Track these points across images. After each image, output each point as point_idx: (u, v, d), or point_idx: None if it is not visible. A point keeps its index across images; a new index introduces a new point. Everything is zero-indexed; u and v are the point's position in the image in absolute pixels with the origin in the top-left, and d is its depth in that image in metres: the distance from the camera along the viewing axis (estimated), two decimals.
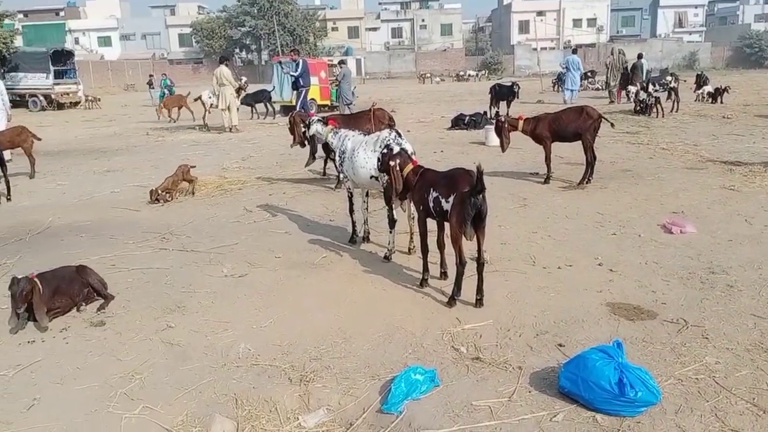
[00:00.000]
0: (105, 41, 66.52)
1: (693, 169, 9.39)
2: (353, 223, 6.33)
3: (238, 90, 17.55)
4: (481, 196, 4.18)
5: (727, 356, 3.66)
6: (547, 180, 8.74)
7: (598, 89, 27.11)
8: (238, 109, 17.28)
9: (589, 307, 4.45)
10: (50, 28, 62.17)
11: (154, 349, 4.05)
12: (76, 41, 62.72)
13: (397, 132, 5.51)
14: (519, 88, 19.09)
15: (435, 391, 3.39)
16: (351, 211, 6.31)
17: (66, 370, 3.79)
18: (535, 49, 46.64)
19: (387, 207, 5.57)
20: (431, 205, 4.61)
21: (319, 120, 6.83)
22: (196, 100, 19.09)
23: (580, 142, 8.51)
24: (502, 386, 3.43)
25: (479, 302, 4.51)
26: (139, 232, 6.88)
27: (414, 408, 3.24)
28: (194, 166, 9.06)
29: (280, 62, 21.95)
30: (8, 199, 8.77)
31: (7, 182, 8.92)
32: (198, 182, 9.12)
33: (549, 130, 8.57)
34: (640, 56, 22.03)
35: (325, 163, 9.75)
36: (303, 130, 7.10)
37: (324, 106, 21.37)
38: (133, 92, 44.62)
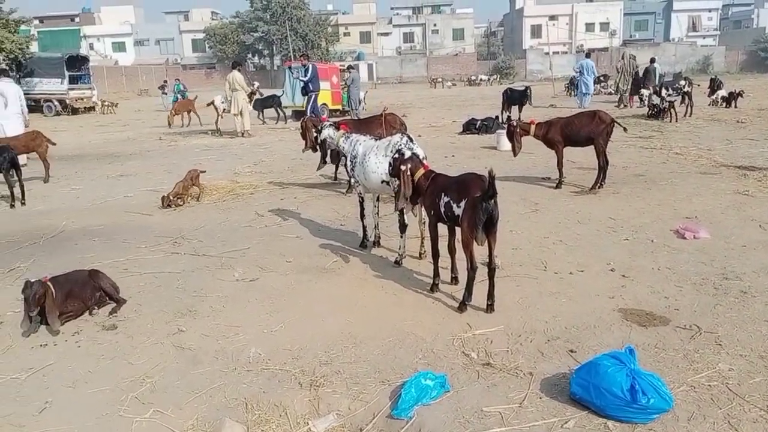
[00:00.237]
0: (119, 47, 67.15)
1: (707, 174, 9.31)
2: (364, 227, 6.33)
3: (251, 95, 17.64)
4: (492, 201, 4.17)
5: (741, 363, 3.62)
6: (559, 185, 8.70)
7: (610, 93, 26.98)
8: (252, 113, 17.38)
9: (601, 313, 4.42)
10: (65, 33, 62.78)
11: (166, 353, 4.07)
12: (91, 47, 63.30)
13: (409, 136, 5.50)
14: (531, 92, 19.05)
15: (445, 396, 3.38)
16: (362, 215, 6.32)
17: (78, 373, 3.82)
18: (548, 54, 46.49)
19: (398, 212, 5.57)
20: (442, 209, 4.60)
21: (330, 125, 6.85)
22: (208, 105, 19.22)
23: (592, 146, 8.47)
24: (513, 392, 3.41)
25: (490, 307, 4.49)
26: (151, 236, 6.92)
27: (424, 413, 3.23)
28: (204, 171, 9.11)
29: (289, 67, 22.07)
30: (23, 203, 8.87)
31: (22, 186, 9.02)
32: (209, 187, 9.19)
33: (561, 134, 8.54)
34: (652, 60, 21.91)
35: (336, 167, 9.77)
36: (315, 134, 7.11)
37: (335, 110, 21.44)
38: (147, 97, 44.98)
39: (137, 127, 21.73)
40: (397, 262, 5.67)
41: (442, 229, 4.88)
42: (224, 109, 17.90)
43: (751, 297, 4.60)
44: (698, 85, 22.00)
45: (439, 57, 65.79)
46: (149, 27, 70.07)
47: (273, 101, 20.92)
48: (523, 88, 19.60)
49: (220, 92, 19.11)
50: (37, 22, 57.01)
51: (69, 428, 3.23)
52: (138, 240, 6.76)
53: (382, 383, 3.57)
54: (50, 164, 10.93)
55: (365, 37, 67.52)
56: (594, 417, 3.15)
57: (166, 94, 30.72)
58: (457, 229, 4.59)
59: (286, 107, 21.39)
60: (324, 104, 20.63)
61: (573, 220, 6.99)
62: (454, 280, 5.10)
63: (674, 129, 15.07)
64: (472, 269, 4.43)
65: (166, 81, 33.80)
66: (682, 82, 19.37)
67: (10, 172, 8.81)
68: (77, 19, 68.91)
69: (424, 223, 5.60)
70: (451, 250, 4.95)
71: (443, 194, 4.60)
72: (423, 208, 5.25)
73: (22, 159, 9.52)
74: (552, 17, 63.05)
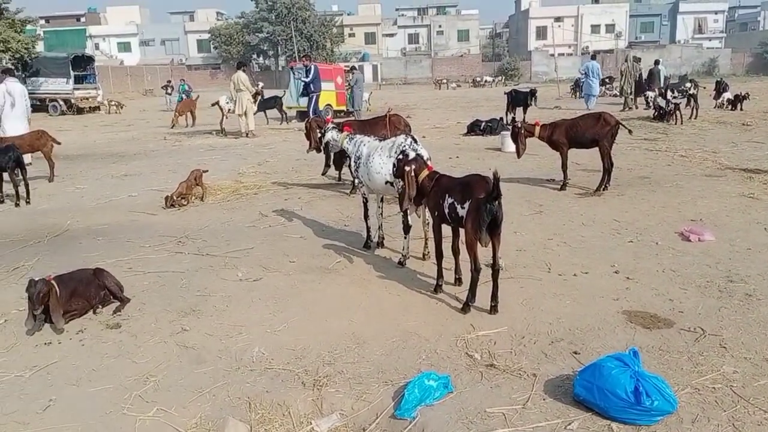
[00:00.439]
0: (125, 47, 67.34)
1: (712, 176, 9.28)
2: (368, 228, 6.33)
3: (255, 95, 17.66)
4: (496, 202, 4.16)
5: (745, 366, 3.61)
6: (563, 187, 8.68)
7: (615, 95, 26.93)
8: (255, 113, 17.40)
9: (605, 315, 4.41)
10: (71, 33, 63.05)
11: (169, 351, 4.08)
12: (97, 47, 63.53)
13: (413, 137, 5.50)
14: (536, 92, 19.05)
15: (448, 397, 3.38)
16: (366, 216, 6.32)
17: (82, 371, 3.83)
18: (553, 55, 46.43)
19: (402, 212, 5.57)
20: (446, 211, 4.60)
21: (334, 127, 6.85)
22: (213, 105, 19.25)
23: (597, 148, 8.45)
24: (517, 393, 3.41)
25: (494, 309, 4.48)
26: (155, 235, 6.94)
27: (427, 414, 3.23)
28: (206, 171, 9.12)
29: (291, 68, 22.10)
30: (27, 202, 8.90)
31: (27, 185, 9.05)
32: (213, 187, 9.21)
33: (566, 136, 8.53)
34: (656, 62, 21.85)
35: (341, 168, 9.77)
36: (319, 135, 7.12)
37: (340, 111, 21.46)
38: (152, 97, 45.07)
39: (142, 127, 21.78)
40: (401, 263, 5.67)
41: (446, 230, 4.87)
42: (229, 110, 17.93)
43: (756, 300, 4.58)
44: (704, 88, 21.91)
45: (444, 58, 65.76)
46: (155, 27, 70.25)
47: (275, 102, 20.96)
48: (527, 89, 19.57)
49: (225, 92, 19.15)
50: (43, 21, 57.36)
51: (73, 426, 3.24)
52: (142, 239, 6.78)
53: (386, 383, 3.57)
54: (55, 163, 10.95)
55: (370, 38, 67.55)
56: (598, 419, 3.14)
57: (169, 94, 30.79)
58: (461, 231, 4.58)
59: (290, 108, 21.42)
60: (329, 105, 20.65)
61: (577, 222, 6.97)
62: (458, 281, 5.09)
63: (679, 131, 15.03)
64: (476, 270, 4.43)
65: (169, 81, 33.88)
66: (688, 85, 19.27)
67: (15, 171, 8.83)
68: (83, 19, 69.15)
69: (427, 224, 5.59)
70: (455, 251, 4.95)
71: (447, 195, 4.59)
72: (427, 209, 5.24)
73: (27, 158, 9.54)
74: (557, 19, 63.02)
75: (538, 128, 8.65)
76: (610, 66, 51.17)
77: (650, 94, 18.43)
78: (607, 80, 28.73)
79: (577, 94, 26.94)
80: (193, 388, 3.59)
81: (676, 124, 16.28)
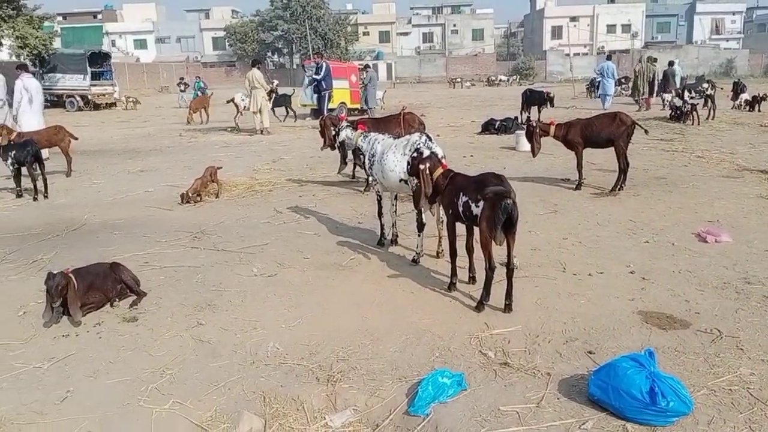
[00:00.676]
0: (141, 44, 67.89)
1: (729, 177, 9.19)
2: (381, 225, 6.34)
3: (270, 93, 17.74)
4: (511, 200, 4.15)
5: (763, 368, 3.57)
6: (578, 186, 8.64)
7: (629, 95, 26.75)
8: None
9: (621, 315, 4.38)
10: (88, 30, 63.62)
11: (185, 345, 4.11)
12: (113, 43, 64.13)
13: (428, 135, 5.49)
14: (553, 95, 18.97)
15: (462, 394, 3.38)
16: (380, 214, 6.33)
17: (99, 363, 3.87)
18: (568, 55, 46.24)
19: (416, 210, 5.56)
20: (461, 209, 4.59)
21: (348, 126, 6.86)
22: (228, 102, 19.36)
23: (612, 148, 8.40)
24: (530, 392, 3.40)
25: (508, 307, 4.47)
26: (171, 230, 6.99)
27: (441, 411, 3.23)
28: (221, 167, 9.18)
29: (303, 66, 22.16)
30: (45, 197, 9.00)
31: (45, 180, 9.15)
32: (228, 183, 9.27)
33: (581, 136, 8.48)
34: (670, 63, 21.68)
35: (354, 166, 9.79)
36: (333, 133, 7.14)
37: (354, 109, 21.49)
38: (167, 94, 45.37)
39: (157, 123, 21.95)
40: (415, 261, 5.67)
41: (460, 228, 4.87)
42: (244, 107, 18.02)
43: None
44: (721, 89, 21.72)
45: (459, 57, 65.66)
46: (170, 24, 70.76)
47: (284, 100, 21.05)
48: (541, 90, 19.49)
49: (240, 90, 19.24)
50: (60, 18, 57.86)
51: (90, 417, 3.28)
52: (158, 234, 6.83)
53: (399, 380, 3.57)
54: (72, 158, 11.08)
55: (384, 37, 67.59)
56: (612, 419, 3.13)
57: (183, 91, 30.99)
58: (475, 229, 4.58)
59: (304, 105, 21.50)
60: (342, 103, 20.69)
61: (592, 222, 6.94)
62: (472, 279, 5.09)
63: (696, 132, 14.90)
64: (490, 269, 4.42)
65: (182, 78, 34.09)
66: (705, 85, 19.13)
67: (33, 166, 8.94)
68: (100, 16, 69.80)
69: (441, 222, 5.59)
70: (469, 250, 4.93)
71: (462, 194, 4.58)
72: (441, 207, 5.24)
73: (44, 153, 9.65)
74: (573, 18, 62.69)
75: (553, 127, 8.61)
76: (626, 66, 50.70)
77: (667, 96, 18.28)
78: (623, 80, 28.55)
79: (593, 94, 26.79)
80: (209, 381, 3.61)
81: (692, 124, 16.13)
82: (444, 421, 3.15)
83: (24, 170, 8.98)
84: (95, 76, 31.09)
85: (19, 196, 9.07)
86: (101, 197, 9.09)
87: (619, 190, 8.33)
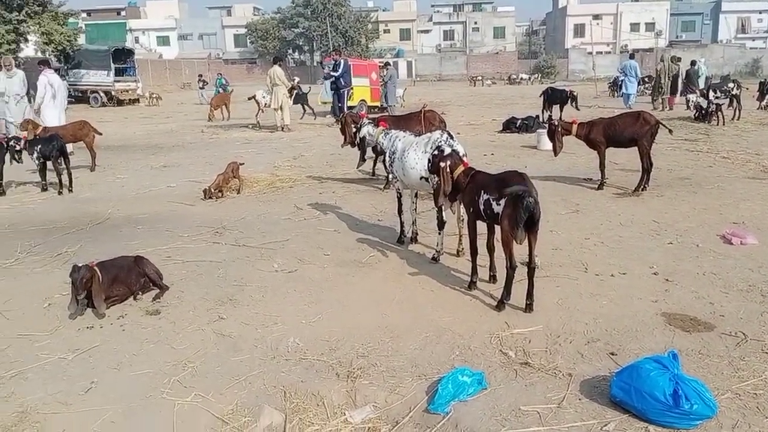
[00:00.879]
0: (163, 41, 68.51)
1: (755, 178, 9.04)
2: (401, 223, 6.34)
3: (291, 90, 17.82)
4: (533, 199, 4.13)
5: None
6: (600, 186, 8.55)
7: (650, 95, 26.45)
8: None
9: (643, 317, 4.34)
10: (112, 27, 64.35)
11: (207, 339, 4.15)
12: (136, 40, 64.77)
13: (449, 133, 5.47)
14: (577, 94, 18.82)
15: (482, 393, 3.37)
16: (400, 211, 6.32)
17: (122, 356, 3.92)
18: (590, 53, 45.74)
19: (436, 208, 5.55)
20: (482, 207, 4.57)
21: (369, 123, 6.86)
22: (250, 99, 19.48)
23: (635, 148, 8.31)
24: (551, 392, 3.38)
25: (529, 307, 4.45)
26: (193, 225, 7.05)
27: (461, 410, 3.23)
28: (243, 164, 9.23)
29: (321, 63, 22.19)
30: (70, 191, 9.13)
31: (70, 174, 9.28)
32: (250, 180, 9.33)
33: (604, 135, 8.39)
34: (693, 63, 21.36)
35: (375, 163, 9.80)
36: (354, 130, 7.15)
37: (374, 107, 21.49)
38: (189, 90, 45.74)
39: (180, 119, 22.15)
40: (435, 259, 5.66)
41: (481, 226, 4.85)
42: (266, 104, 18.12)
43: None
44: (747, 89, 21.32)
45: (480, 55, 65.32)
46: (193, 21, 71.32)
47: (300, 98, 21.15)
48: (563, 89, 19.32)
49: (262, 87, 19.34)
50: (84, 15, 58.66)
51: (114, 408, 3.32)
52: (180, 229, 6.90)
53: (419, 378, 3.57)
54: (96, 153, 11.23)
55: (405, 34, 67.45)
56: (635, 420, 3.10)
57: (202, 88, 31.24)
58: (496, 227, 4.55)
59: (325, 102, 21.57)
60: (363, 100, 20.69)
61: (615, 222, 6.87)
62: (493, 278, 5.07)
63: (721, 132, 14.67)
64: (511, 268, 4.40)
65: (200, 75, 34.38)
66: (731, 85, 18.79)
67: (59, 160, 9.08)
68: (123, 13, 70.60)
69: (462, 220, 5.57)
70: (490, 248, 4.91)
71: (483, 192, 4.56)
72: (462, 206, 5.22)
73: (69, 148, 9.80)
74: (596, 16, 62.07)
75: (575, 126, 8.54)
76: (650, 65, 50.07)
77: (691, 96, 18.01)
78: (646, 79, 28.20)
79: (615, 93, 26.51)
80: (230, 375, 3.64)
81: (717, 125, 15.89)
82: (464, 420, 3.15)
83: (49, 164, 9.13)
84: (119, 73, 31.51)
85: (44, 189, 9.22)
86: (125, 192, 9.20)
87: (642, 190, 8.23)
